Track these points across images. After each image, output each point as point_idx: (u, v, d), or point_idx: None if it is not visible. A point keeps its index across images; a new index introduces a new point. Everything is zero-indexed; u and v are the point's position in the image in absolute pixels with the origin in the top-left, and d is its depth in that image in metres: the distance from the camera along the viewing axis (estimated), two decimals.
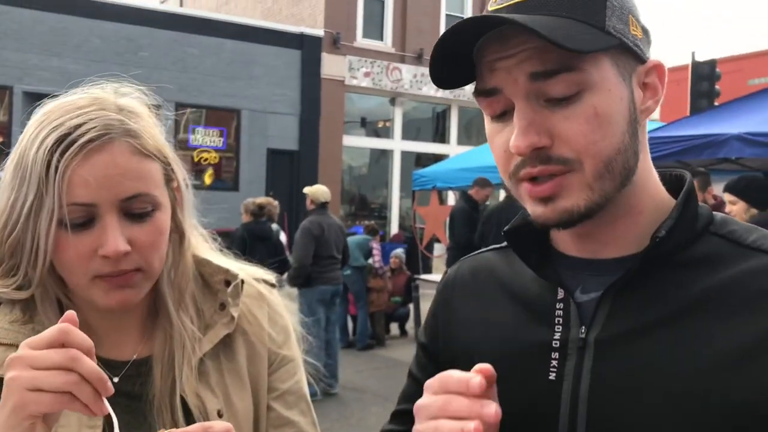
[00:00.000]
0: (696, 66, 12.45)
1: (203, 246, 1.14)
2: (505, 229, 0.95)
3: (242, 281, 1.11)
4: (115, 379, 1.00)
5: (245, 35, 15.69)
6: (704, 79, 12.33)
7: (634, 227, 0.86)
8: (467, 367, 0.94)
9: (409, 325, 9.36)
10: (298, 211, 14.32)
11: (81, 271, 0.95)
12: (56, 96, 1.02)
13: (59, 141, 0.93)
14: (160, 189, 1.01)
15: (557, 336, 0.86)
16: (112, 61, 14.02)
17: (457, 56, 0.83)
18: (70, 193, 0.92)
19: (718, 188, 5.45)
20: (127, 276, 0.96)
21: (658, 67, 0.86)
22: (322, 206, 6.78)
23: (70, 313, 0.80)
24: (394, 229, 17.84)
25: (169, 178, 1.03)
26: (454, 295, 1.04)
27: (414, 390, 1.07)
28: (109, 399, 0.96)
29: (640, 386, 0.79)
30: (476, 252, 1.09)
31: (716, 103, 11.79)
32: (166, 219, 1.01)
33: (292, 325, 1.20)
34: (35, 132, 0.97)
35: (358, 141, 18.19)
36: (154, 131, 1.02)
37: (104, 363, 1.00)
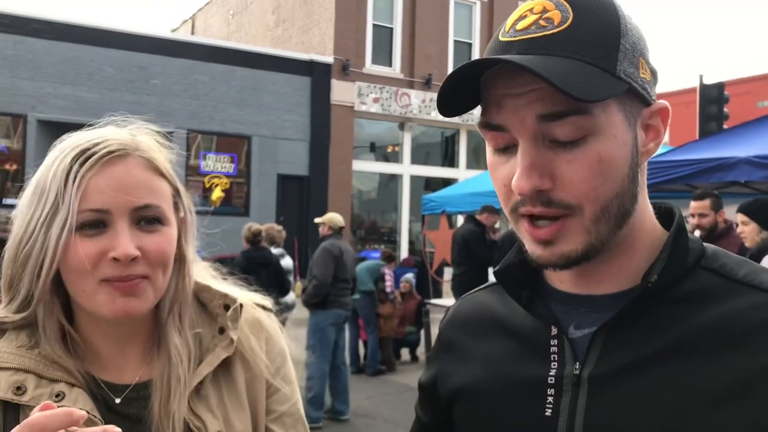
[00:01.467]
0: (704, 89, 12.46)
1: (203, 273, 1.17)
2: (494, 270, 0.95)
3: (241, 305, 1.13)
4: (117, 401, 1.02)
5: (255, 63, 15.87)
6: (713, 102, 12.34)
7: (629, 264, 0.86)
8: (467, 405, 0.95)
9: (420, 350, 9.29)
10: (308, 236, 14.36)
11: (89, 275, 0.97)
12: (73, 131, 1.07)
13: (79, 155, 1.00)
14: (170, 208, 1.05)
15: (552, 372, 0.86)
16: (124, 89, 14.21)
17: (464, 82, 0.82)
18: (85, 200, 0.98)
19: (728, 210, 5.42)
20: (133, 283, 0.98)
21: (663, 111, 0.85)
22: (339, 232, 6.85)
23: (47, 404, 0.79)
24: (404, 253, 17.82)
25: (176, 205, 1.08)
26: (454, 335, 1.04)
27: (418, 429, 1.11)
28: (113, 421, 0.98)
29: (632, 423, 0.78)
30: (473, 291, 1.09)
31: (725, 126, 11.78)
32: (173, 235, 1.05)
33: (292, 351, 1.22)
34: (56, 157, 1.02)
35: (367, 166, 18.26)
36: (165, 159, 1.08)
37: (107, 386, 1.03)
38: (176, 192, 1.08)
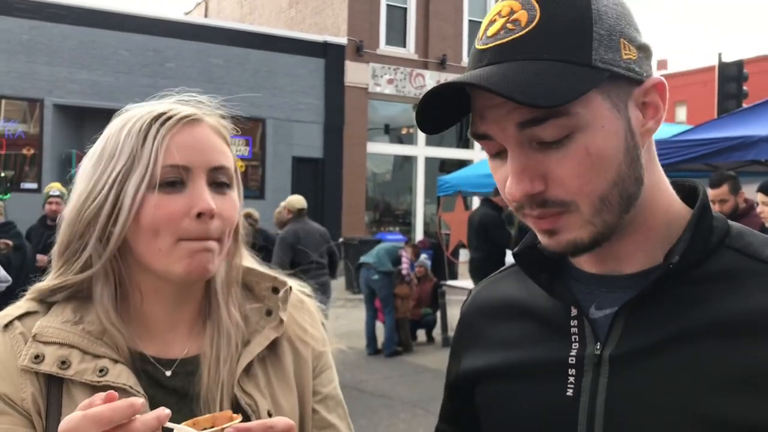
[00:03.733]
0: (723, 67, 12.30)
1: (244, 255, 1.18)
2: (514, 251, 0.96)
3: (290, 288, 1.15)
4: (168, 374, 1.04)
5: (269, 45, 15.85)
6: (731, 81, 12.18)
7: (645, 243, 0.85)
8: (488, 387, 0.96)
9: (436, 332, 9.32)
10: (323, 218, 14.39)
11: (169, 232, 0.99)
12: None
13: (156, 118, 1.02)
14: (234, 174, 1.08)
15: (573, 352, 0.86)
16: (139, 73, 14.26)
17: (442, 100, 0.82)
18: (166, 156, 0.99)
19: (748, 189, 5.36)
20: (210, 242, 1.00)
21: (658, 85, 0.83)
22: (299, 213, 6.91)
23: (111, 394, 0.81)
24: (419, 235, 17.82)
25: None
26: (474, 319, 1.05)
27: (446, 417, 1.13)
28: (160, 396, 1.00)
29: (654, 403, 0.78)
30: (493, 275, 1.10)
31: (744, 105, 11.63)
32: (238, 201, 1.07)
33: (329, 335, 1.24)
34: (126, 121, 1.04)
35: (381, 148, 18.23)
36: (228, 132, 1.11)
37: (156, 360, 1.04)
38: (235, 168, 1.10)
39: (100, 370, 0.98)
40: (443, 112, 0.85)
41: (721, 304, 0.79)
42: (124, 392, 0.96)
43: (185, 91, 1.11)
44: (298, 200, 7.01)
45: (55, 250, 1.06)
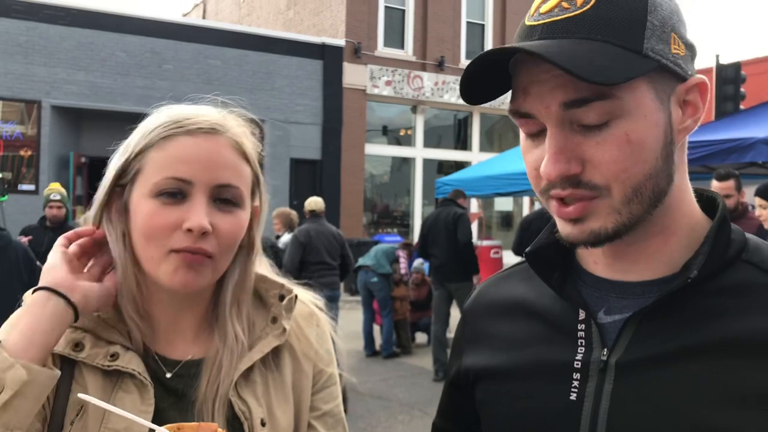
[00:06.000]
0: (721, 69, 12.31)
1: (259, 262, 1.18)
2: (526, 250, 0.95)
3: (296, 296, 1.15)
4: (168, 375, 1.05)
5: (267, 46, 15.83)
6: (729, 83, 12.19)
7: (666, 247, 0.85)
8: (490, 386, 0.95)
9: None
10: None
11: (160, 243, 1.00)
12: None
13: (171, 123, 1.03)
14: (248, 192, 1.07)
15: (579, 357, 0.86)
16: (137, 74, 14.24)
17: (488, 68, 0.81)
18: (170, 167, 1.00)
19: (747, 192, 5.37)
20: (198, 257, 1.00)
21: (701, 85, 0.83)
22: (312, 214, 7.09)
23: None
24: (416, 237, 17.81)
25: (254, 191, 1.10)
26: (478, 316, 1.04)
27: (445, 413, 1.12)
28: (159, 392, 1.02)
29: (658, 413, 0.78)
30: (498, 273, 1.09)
31: (742, 107, 11.64)
32: (246, 220, 1.07)
33: (338, 346, 1.23)
34: (148, 123, 1.05)
35: (380, 149, 18.22)
36: (252, 145, 1.10)
37: (161, 359, 1.06)
38: (256, 179, 1.10)
39: (112, 355, 1.00)
40: (485, 84, 0.84)
41: (734, 320, 0.78)
42: (132, 377, 1.00)
43: (218, 96, 1.11)
44: (312, 202, 7.21)
45: None
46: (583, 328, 0.87)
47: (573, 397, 0.84)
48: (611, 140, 0.77)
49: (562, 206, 0.81)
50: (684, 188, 0.86)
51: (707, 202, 0.90)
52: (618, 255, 0.86)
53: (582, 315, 0.88)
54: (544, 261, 0.93)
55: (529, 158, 0.84)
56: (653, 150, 0.79)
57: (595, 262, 0.90)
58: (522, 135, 0.86)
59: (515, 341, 0.94)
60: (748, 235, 0.86)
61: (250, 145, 1.09)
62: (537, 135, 0.83)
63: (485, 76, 0.82)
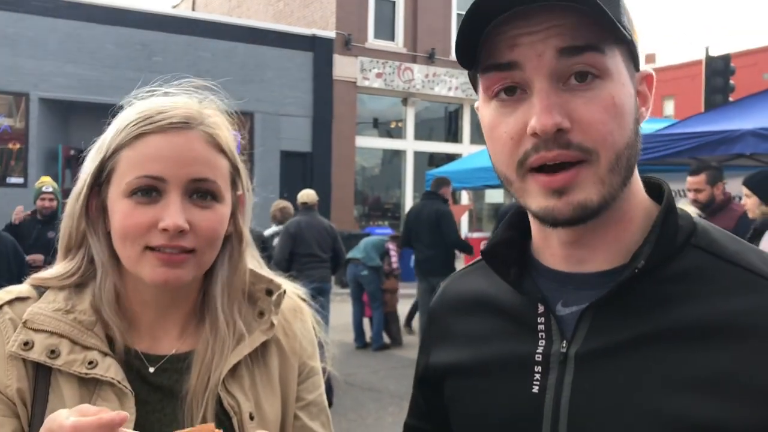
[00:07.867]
0: (710, 61, 12.35)
1: (250, 254, 1.17)
2: (482, 249, 0.95)
3: (284, 291, 1.14)
4: (151, 370, 1.03)
5: (257, 38, 15.77)
6: (718, 75, 12.24)
7: (623, 235, 0.85)
8: (456, 382, 0.96)
9: None
10: None
11: (136, 241, 0.99)
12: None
13: (142, 120, 1.00)
14: (226, 185, 1.05)
15: (540, 349, 0.87)
16: (126, 67, 14.14)
17: (480, 20, 0.79)
18: (143, 166, 0.98)
19: (734, 183, 5.40)
20: (177, 257, 0.99)
21: (648, 78, 0.87)
22: (303, 206, 7.10)
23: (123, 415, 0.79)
24: None
25: (234, 182, 1.08)
26: (443, 314, 1.05)
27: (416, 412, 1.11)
28: (144, 393, 1.00)
29: (617, 402, 0.79)
30: (462, 269, 1.09)
31: (731, 99, 11.69)
32: (225, 213, 1.05)
33: (322, 337, 1.23)
34: (120, 120, 1.04)
35: (370, 142, 18.21)
36: (228, 136, 1.08)
37: (144, 356, 1.04)
38: (235, 170, 1.08)
39: (90, 363, 0.97)
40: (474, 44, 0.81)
41: (684, 306, 0.79)
42: (111, 386, 0.96)
43: (183, 79, 1.09)
44: (303, 195, 7.22)
45: (60, 237, 1.08)
46: (543, 321, 0.88)
47: (535, 389, 0.85)
48: (597, 101, 0.78)
49: (547, 176, 0.79)
50: (636, 177, 0.88)
51: (655, 189, 0.91)
52: (579, 242, 0.86)
53: (541, 308, 0.88)
54: (500, 258, 0.93)
55: (503, 128, 0.82)
56: (630, 118, 0.81)
57: (552, 254, 0.90)
58: (489, 107, 0.83)
59: (478, 337, 0.95)
60: (697, 219, 0.87)
61: (226, 135, 1.07)
62: (510, 96, 0.81)
63: (474, 35, 0.81)
